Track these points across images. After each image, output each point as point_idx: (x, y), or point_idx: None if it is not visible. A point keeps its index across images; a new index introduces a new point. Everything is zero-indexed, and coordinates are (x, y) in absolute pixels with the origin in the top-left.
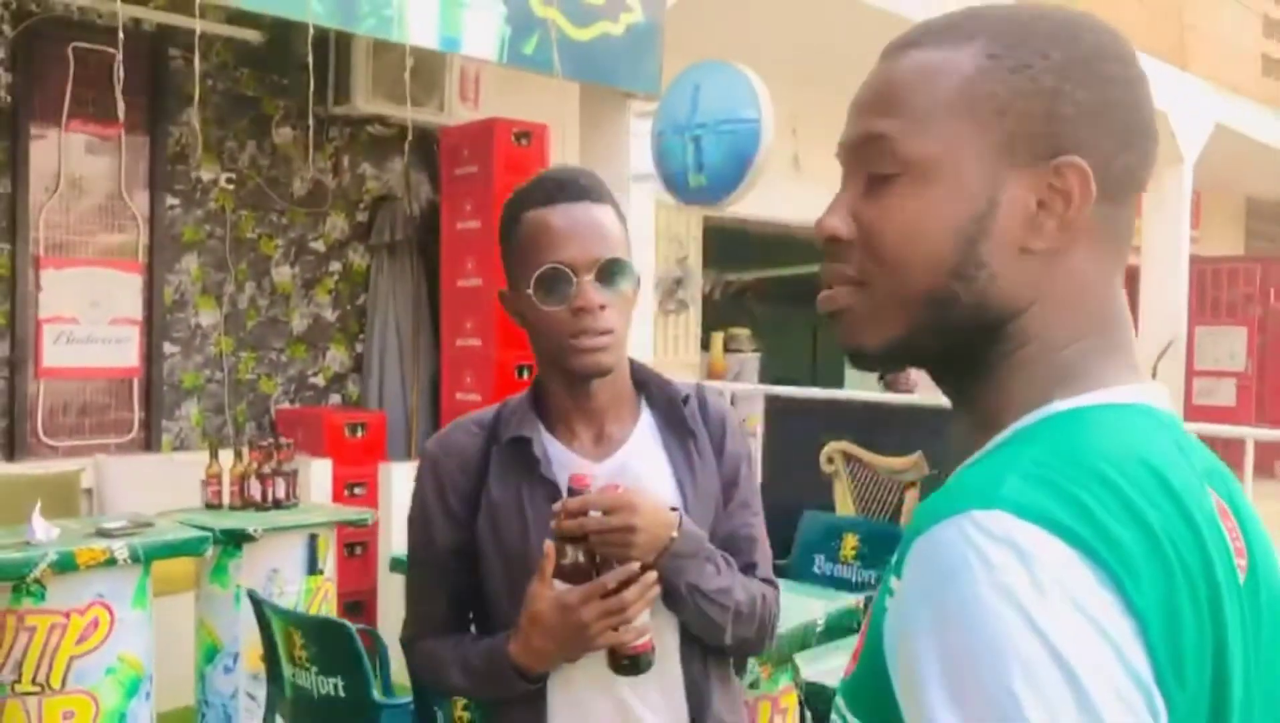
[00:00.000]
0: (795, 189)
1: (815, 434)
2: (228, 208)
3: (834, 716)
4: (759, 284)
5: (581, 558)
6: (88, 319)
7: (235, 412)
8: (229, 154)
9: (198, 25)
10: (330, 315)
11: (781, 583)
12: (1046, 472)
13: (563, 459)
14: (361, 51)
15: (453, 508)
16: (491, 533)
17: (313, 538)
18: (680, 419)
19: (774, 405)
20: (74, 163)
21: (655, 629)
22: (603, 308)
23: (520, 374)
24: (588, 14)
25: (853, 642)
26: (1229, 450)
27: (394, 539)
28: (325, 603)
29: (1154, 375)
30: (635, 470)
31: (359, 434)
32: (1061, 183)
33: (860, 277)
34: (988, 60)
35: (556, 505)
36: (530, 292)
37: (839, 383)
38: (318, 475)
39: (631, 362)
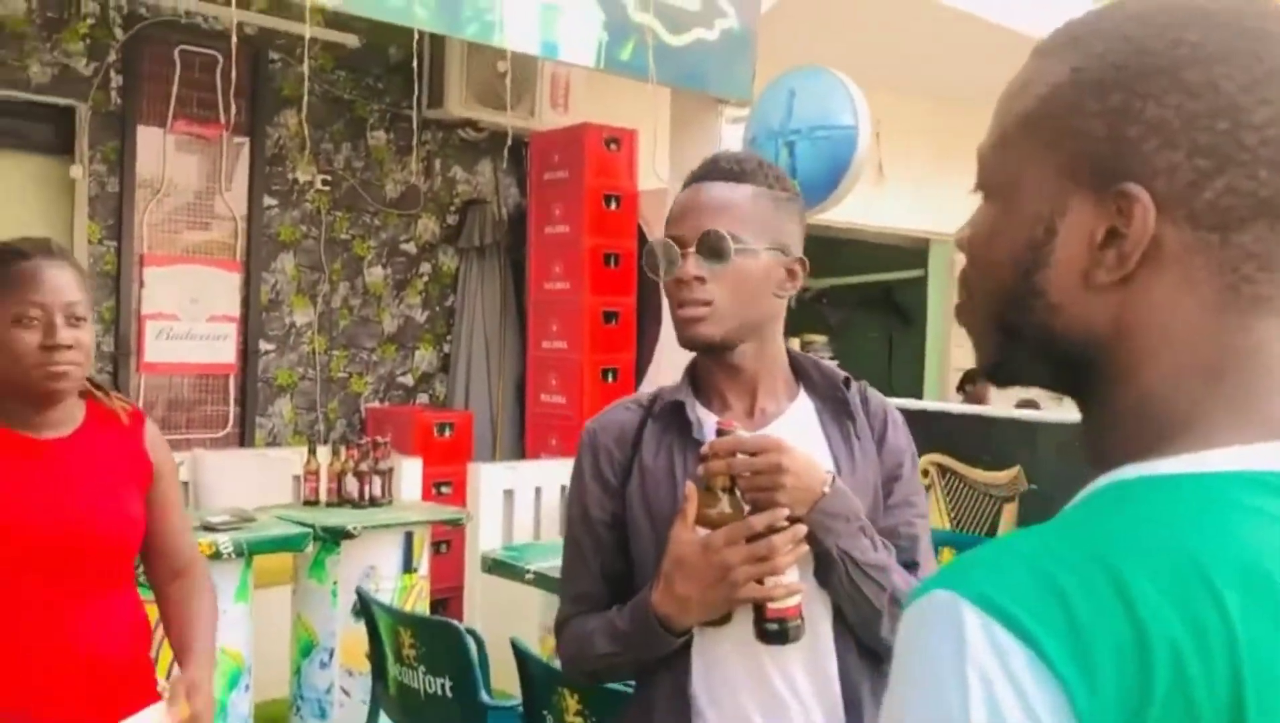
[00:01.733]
0: (877, 196)
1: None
2: (323, 209)
3: None
4: (834, 291)
5: (727, 504)
6: (187, 316)
7: (327, 409)
8: (325, 156)
9: (307, 31)
10: (420, 316)
11: None
12: (1046, 560)
13: (713, 426)
14: (455, 56)
15: (606, 478)
16: (642, 497)
17: (409, 536)
18: (841, 401)
19: None
20: (177, 163)
21: (808, 608)
22: (700, 280)
23: (606, 377)
24: (683, 20)
25: None
26: None
27: (481, 538)
28: (419, 601)
29: None
30: (787, 439)
31: (447, 434)
32: (1124, 210)
33: (964, 291)
34: (1070, 73)
35: (704, 447)
36: (645, 265)
37: (916, 392)
38: (408, 474)
39: (789, 350)
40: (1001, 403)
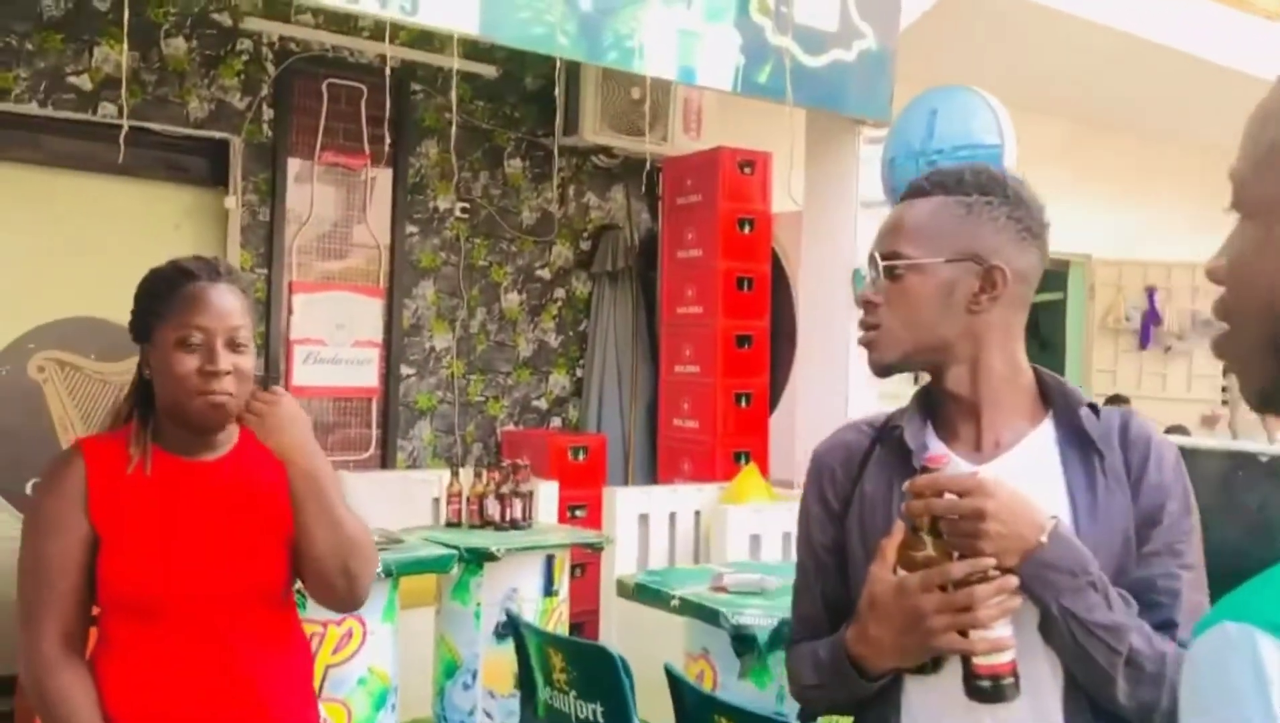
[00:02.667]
0: None
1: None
2: (461, 236)
3: None
4: None
5: (931, 546)
6: (333, 340)
7: (464, 432)
8: (463, 184)
9: (455, 63)
10: (554, 341)
11: None
12: None
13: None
14: (590, 84)
15: (828, 501)
16: (860, 526)
17: (549, 559)
18: (1081, 431)
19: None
20: (323, 193)
21: (1032, 666)
22: (871, 304)
23: (740, 402)
24: (821, 41)
25: None
26: None
27: (617, 562)
28: (560, 624)
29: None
30: (1016, 477)
31: (580, 457)
32: None
33: (1223, 315)
34: None
35: (907, 484)
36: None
37: None
38: (544, 496)
39: (1037, 370)
40: None
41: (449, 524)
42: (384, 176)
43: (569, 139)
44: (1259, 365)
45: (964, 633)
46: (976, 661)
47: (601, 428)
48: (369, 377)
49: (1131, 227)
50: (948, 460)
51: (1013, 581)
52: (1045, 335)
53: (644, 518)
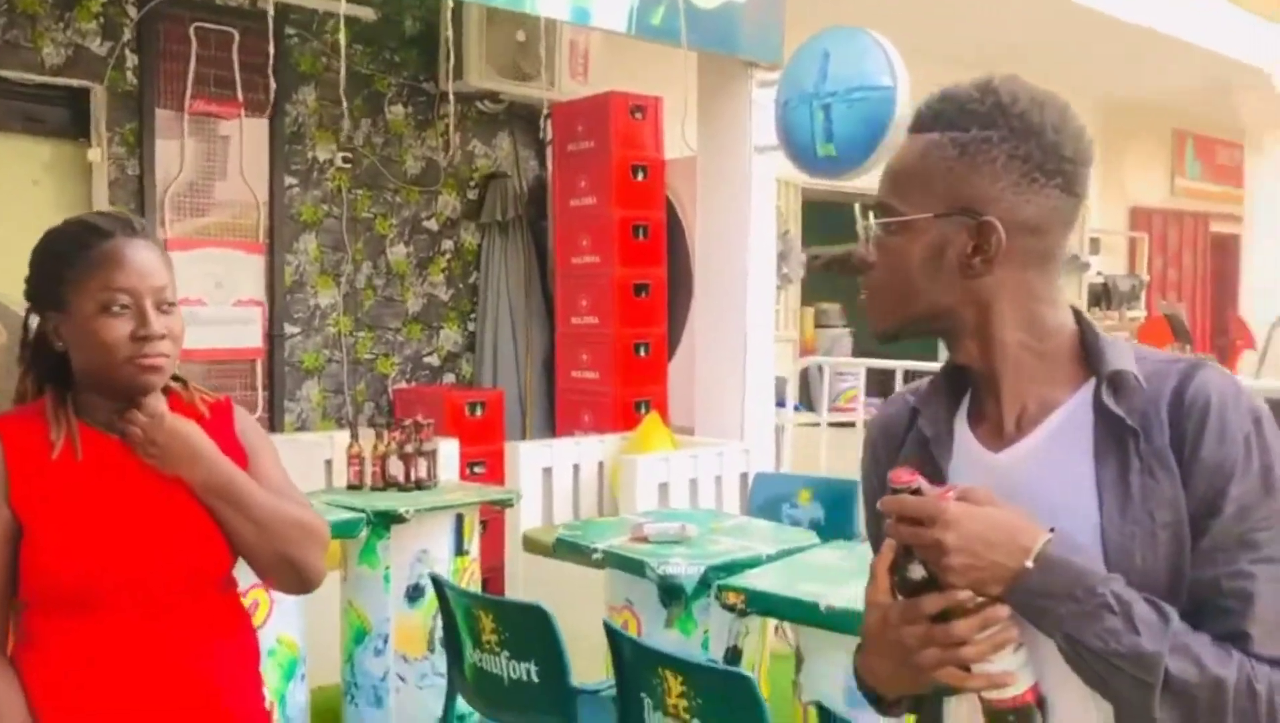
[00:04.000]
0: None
1: None
2: (343, 187)
3: None
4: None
5: (915, 570)
6: (213, 300)
7: (355, 392)
8: (344, 133)
9: (343, 5)
10: (444, 294)
11: None
12: None
13: (963, 443)
14: (474, 26)
15: (870, 476)
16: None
17: (459, 518)
18: (1106, 405)
19: (911, 379)
20: (195, 144)
21: (1070, 696)
22: (865, 263)
23: (638, 351)
24: None
25: None
26: None
27: (521, 517)
28: (472, 583)
29: (1266, 348)
30: (1029, 470)
31: (478, 413)
32: None
33: None
34: None
35: (879, 503)
36: None
37: (931, 356)
38: (445, 454)
39: (1083, 327)
40: None
41: (350, 487)
42: (259, 126)
43: (454, 85)
44: None
45: (966, 667)
46: (987, 695)
47: (497, 382)
48: (252, 337)
49: None
50: (915, 481)
51: (1001, 611)
52: None
53: (547, 472)
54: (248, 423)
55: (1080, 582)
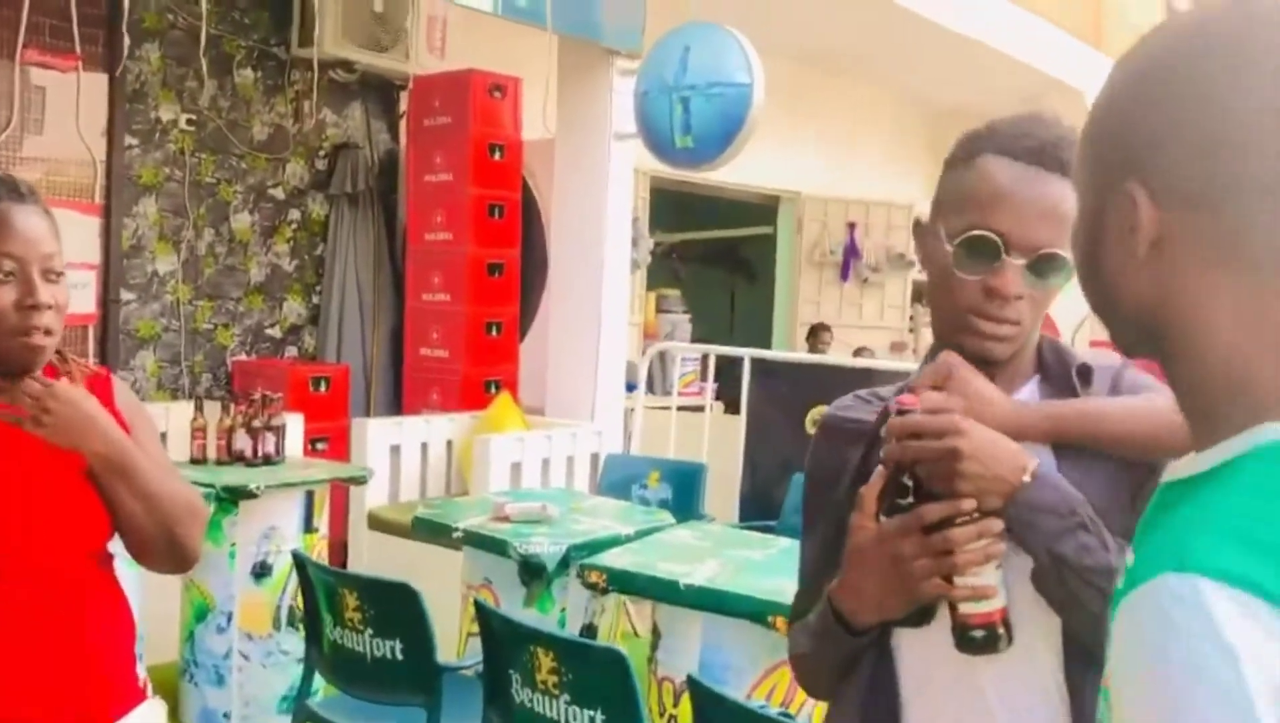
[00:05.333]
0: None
1: (800, 397)
2: (187, 150)
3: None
4: (683, 246)
5: (911, 492)
6: None
7: (192, 362)
8: (189, 94)
9: None
10: (288, 265)
11: (776, 542)
12: (1253, 527)
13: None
14: None
15: (826, 474)
16: (833, 503)
17: (309, 495)
18: (1072, 391)
19: (758, 368)
20: (28, 98)
21: (1028, 620)
22: (1019, 298)
23: (490, 331)
24: None
25: None
26: None
27: (368, 495)
28: (320, 560)
29: (1073, 345)
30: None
31: (323, 388)
32: (1126, 206)
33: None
34: (1100, 96)
35: (883, 429)
36: (949, 248)
37: (763, 343)
38: (290, 430)
39: (1043, 337)
40: (841, 354)
41: (193, 461)
42: (98, 82)
43: (304, 51)
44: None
45: (948, 580)
46: (962, 608)
47: (341, 357)
48: (85, 302)
49: (838, 167)
50: (919, 405)
51: (996, 524)
52: (755, 267)
53: (395, 449)
54: (127, 396)
55: (1065, 501)
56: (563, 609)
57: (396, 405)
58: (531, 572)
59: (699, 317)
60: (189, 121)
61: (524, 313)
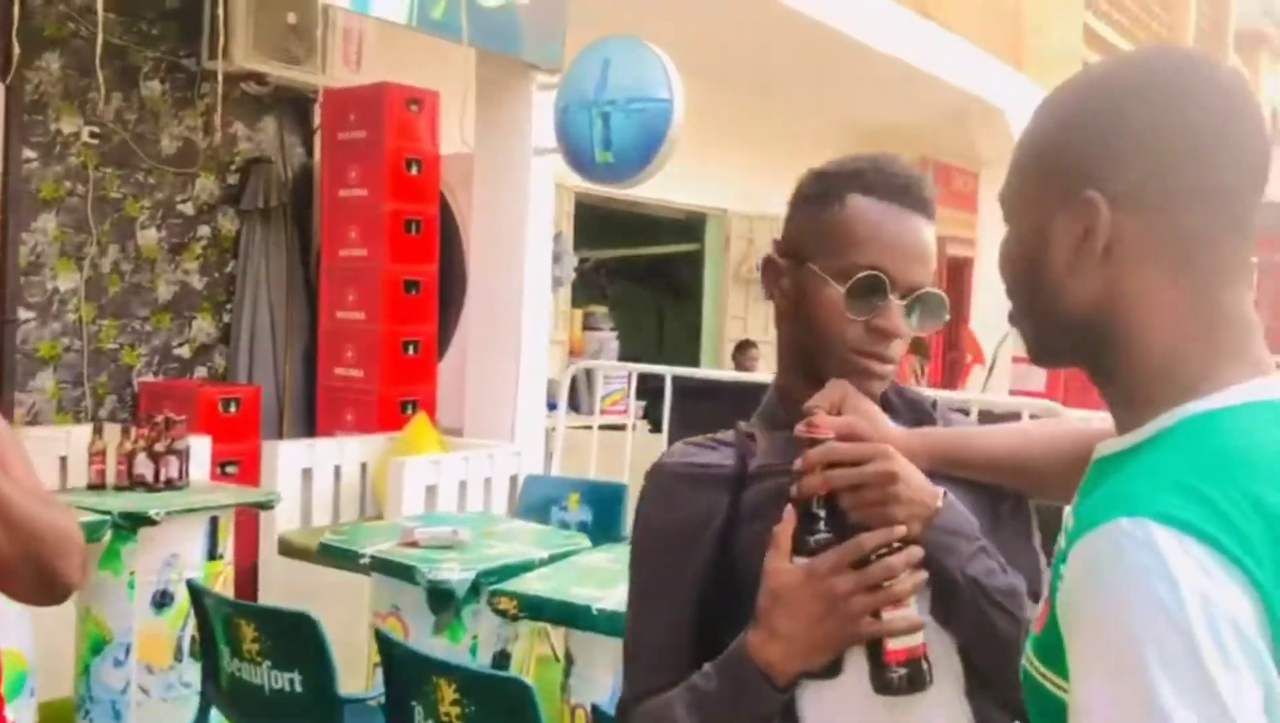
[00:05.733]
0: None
1: (723, 415)
2: (90, 164)
3: (1024, 662)
4: (611, 263)
5: (825, 528)
6: None
7: (95, 384)
8: (92, 106)
9: None
10: (198, 283)
11: None
12: (1189, 480)
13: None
14: (241, 4)
15: (684, 531)
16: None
17: (213, 521)
18: (921, 425)
19: (680, 386)
20: None
21: (930, 649)
22: (900, 338)
23: (407, 350)
24: None
25: None
26: None
27: (278, 520)
28: (225, 588)
29: (993, 364)
30: None
31: (232, 409)
32: (1083, 214)
33: (1008, 295)
34: (1044, 120)
35: (796, 463)
36: (836, 284)
37: (690, 361)
38: (196, 453)
39: None
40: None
41: (91, 486)
42: None
43: (216, 63)
44: (1026, 330)
45: (876, 616)
46: (891, 646)
47: (252, 378)
48: None
49: (764, 184)
50: (831, 432)
51: (918, 551)
52: (683, 284)
53: (307, 473)
54: None
55: (970, 524)
56: (475, 637)
57: (311, 427)
58: (440, 599)
59: (627, 334)
60: (92, 135)
61: (442, 331)
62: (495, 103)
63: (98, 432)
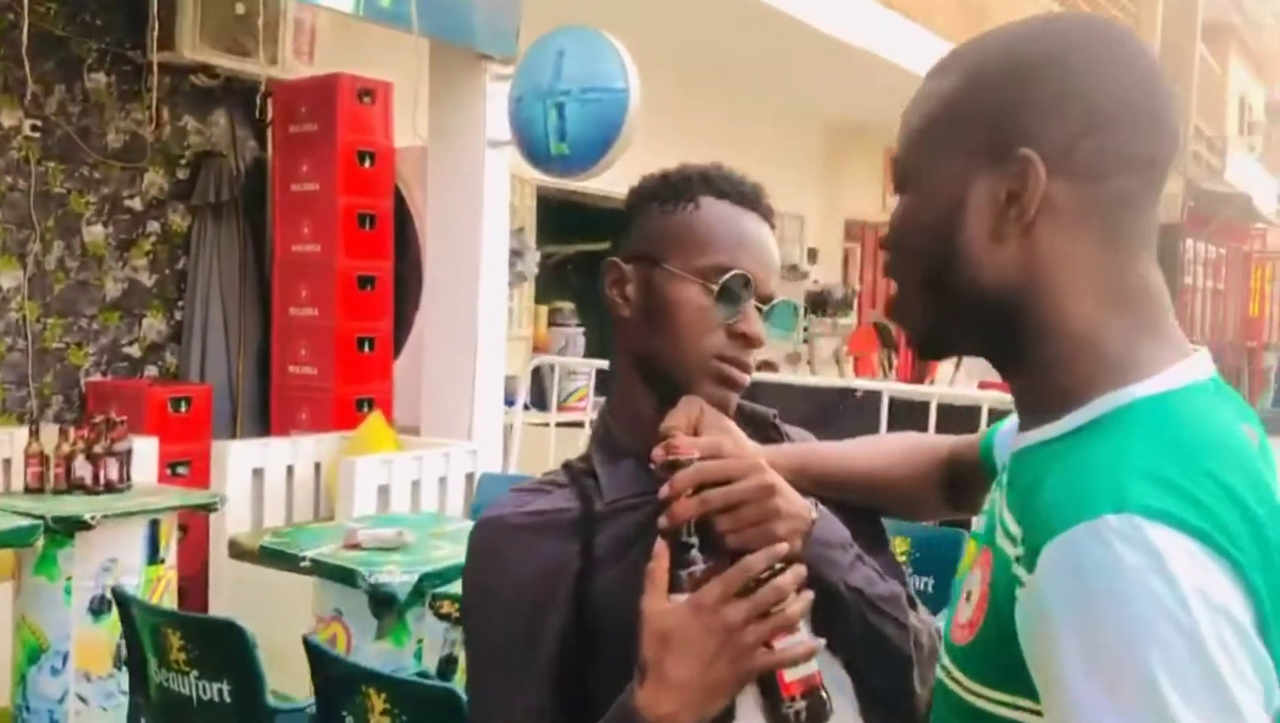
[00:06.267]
0: (622, 161)
1: None
2: (33, 159)
3: (940, 672)
4: (578, 258)
5: (700, 559)
6: None
7: (41, 385)
8: (34, 99)
9: None
10: (147, 280)
11: None
12: (1162, 471)
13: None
14: None
15: (527, 597)
16: (624, 600)
17: (154, 524)
18: (776, 442)
19: None
20: None
21: (825, 679)
22: (760, 347)
23: (362, 347)
24: None
25: None
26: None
27: (229, 522)
28: (168, 594)
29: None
30: None
31: (183, 409)
32: (1016, 173)
33: (890, 274)
34: (960, 80)
35: (663, 491)
36: (701, 284)
37: None
38: (142, 454)
39: None
40: None
41: (28, 490)
42: None
43: (164, 55)
44: (919, 312)
45: (768, 646)
46: (787, 678)
47: (205, 377)
48: None
49: None
50: (694, 452)
51: (803, 569)
52: None
53: (258, 473)
54: None
55: (843, 533)
56: (419, 642)
57: (266, 426)
58: (381, 603)
59: (595, 330)
60: (34, 128)
61: (399, 328)
62: (448, 93)
63: (34, 434)
